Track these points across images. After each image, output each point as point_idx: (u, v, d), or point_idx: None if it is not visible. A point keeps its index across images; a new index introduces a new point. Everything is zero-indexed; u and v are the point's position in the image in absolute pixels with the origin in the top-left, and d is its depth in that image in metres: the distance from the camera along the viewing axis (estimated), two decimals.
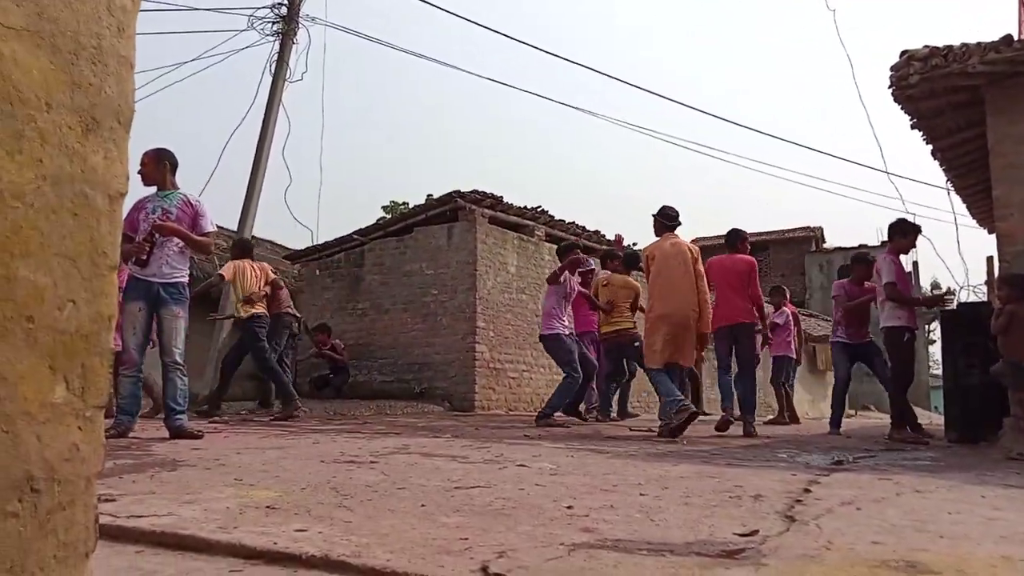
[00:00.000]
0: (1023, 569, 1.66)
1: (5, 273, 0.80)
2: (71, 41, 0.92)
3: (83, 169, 0.92)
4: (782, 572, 1.58)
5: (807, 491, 2.81)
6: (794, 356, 9.81)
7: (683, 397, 5.69)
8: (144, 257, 4.55)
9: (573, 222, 12.11)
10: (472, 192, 10.27)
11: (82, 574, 0.86)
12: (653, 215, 6.15)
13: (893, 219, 6.26)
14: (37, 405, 0.82)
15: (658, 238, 6.12)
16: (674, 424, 5.48)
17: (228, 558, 1.69)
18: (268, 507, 2.23)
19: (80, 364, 0.87)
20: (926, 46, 5.56)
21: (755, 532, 1.99)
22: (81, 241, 0.90)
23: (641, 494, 2.67)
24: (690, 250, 5.96)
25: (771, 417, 9.68)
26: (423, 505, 2.34)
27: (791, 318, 9.78)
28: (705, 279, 5.98)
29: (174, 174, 4.92)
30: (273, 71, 10.37)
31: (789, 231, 27.96)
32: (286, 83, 10.40)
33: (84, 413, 0.87)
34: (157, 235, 4.64)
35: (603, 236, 12.62)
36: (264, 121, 10.25)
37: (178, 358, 4.77)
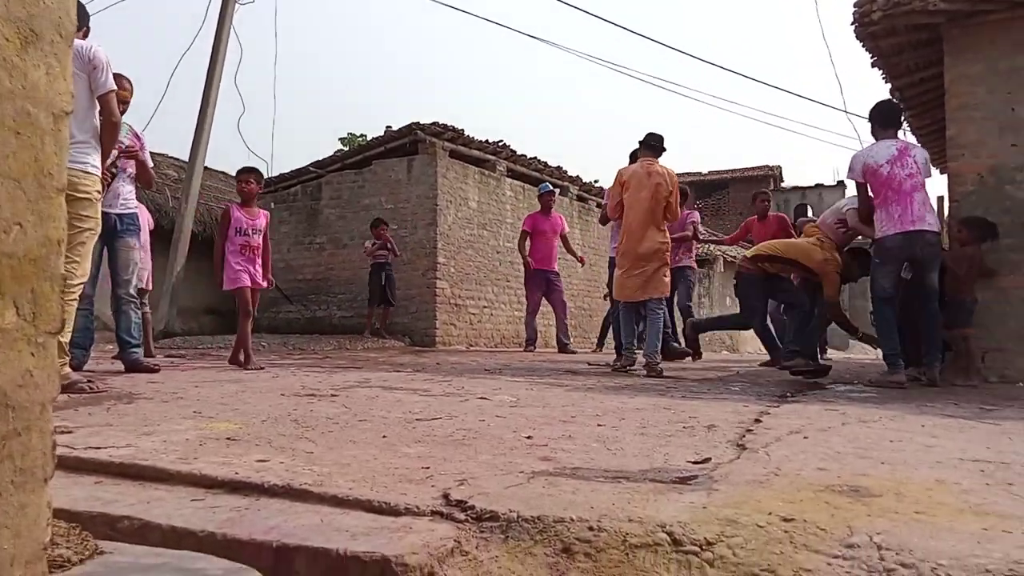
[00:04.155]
0: (956, 492, 1.75)
1: None
2: None
3: (24, 85, 0.87)
4: (732, 496, 1.65)
5: (758, 421, 2.91)
6: None
7: (633, 352, 5.84)
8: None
9: (535, 158, 12.01)
10: (432, 124, 10.07)
11: (41, 499, 0.85)
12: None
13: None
14: None
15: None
16: (616, 365, 5.81)
17: (189, 487, 1.69)
18: (228, 439, 2.23)
19: (30, 289, 0.84)
20: None
21: (707, 460, 2.07)
22: (25, 161, 0.86)
23: (599, 425, 2.74)
24: (666, 177, 5.64)
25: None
26: (384, 436, 2.36)
27: None
28: (678, 207, 5.78)
29: None
30: None
31: (748, 169, 28.17)
32: (237, 4, 9.94)
33: (36, 339, 0.85)
34: (118, 164, 4.48)
35: (565, 172, 12.56)
36: (214, 44, 9.81)
37: (132, 290, 4.68)
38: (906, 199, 4.85)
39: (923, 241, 4.85)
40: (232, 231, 5.22)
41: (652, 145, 5.79)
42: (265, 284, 5.42)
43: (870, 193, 5.12)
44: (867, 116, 5.29)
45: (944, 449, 2.34)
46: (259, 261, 5.31)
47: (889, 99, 5.83)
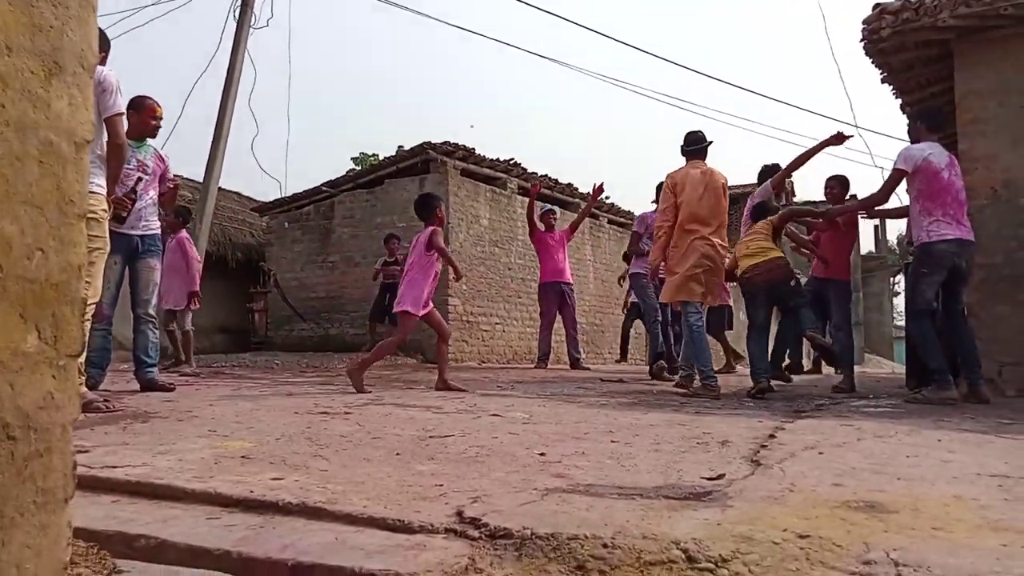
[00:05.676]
0: (974, 507, 1.74)
1: None
2: None
3: (47, 115, 0.90)
4: (747, 513, 1.64)
5: (772, 437, 2.89)
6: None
7: (714, 375, 5.16)
8: (125, 214, 4.42)
9: (546, 175, 12.04)
10: (444, 144, 10.13)
11: (62, 519, 0.87)
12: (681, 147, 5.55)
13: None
14: (9, 354, 0.81)
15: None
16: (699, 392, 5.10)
17: (205, 506, 1.70)
18: (243, 457, 2.25)
19: (51, 313, 0.86)
20: None
21: (722, 476, 2.06)
22: (47, 189, 0.88)
23: (612, 441, 2.73)
24: (723, 177, 5.39)
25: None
26: (398, 454, 2.37)
27: None
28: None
29: None
30: (237, 16, 10.03)
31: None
32: (251, 29, 10.08)
33: (57, 362, 0.87)
34: (137, 189, 4.54)
35: (576, 189, 12.59)
36: (229, 68, 9.93)
37: (151, 310, 4.73)
38: (961, 210, 4.69)
39: (969, 251, 4.69)
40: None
41: (692, 149, 5.46)
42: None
43: (906, 192, 4.87)
44: (914, 115, 5.11)
45: (961, 464, 2.32)
46: None
47: (940, 104, 5.50)
